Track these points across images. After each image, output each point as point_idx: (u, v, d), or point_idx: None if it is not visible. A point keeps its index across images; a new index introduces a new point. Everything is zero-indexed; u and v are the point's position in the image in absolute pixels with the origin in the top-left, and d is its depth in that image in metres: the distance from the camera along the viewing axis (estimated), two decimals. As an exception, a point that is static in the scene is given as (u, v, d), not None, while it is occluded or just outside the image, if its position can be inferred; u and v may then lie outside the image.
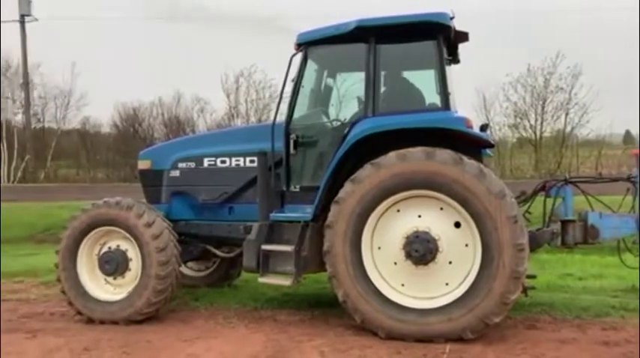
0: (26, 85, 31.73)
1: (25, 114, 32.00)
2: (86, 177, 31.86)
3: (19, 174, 30.80)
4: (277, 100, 6.29)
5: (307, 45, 6.13)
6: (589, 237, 6.02)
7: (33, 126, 32.54)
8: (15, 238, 12.56)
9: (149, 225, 6.09)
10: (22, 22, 31.95)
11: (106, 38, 52.71)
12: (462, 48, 6.53)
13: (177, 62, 49.54)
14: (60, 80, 37.94)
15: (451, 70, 6.32)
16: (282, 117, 6.25)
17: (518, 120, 28.31)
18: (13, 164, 30.82)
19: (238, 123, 29.72)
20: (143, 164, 7.09)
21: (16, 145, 31.03)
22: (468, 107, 26.25)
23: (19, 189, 23.35)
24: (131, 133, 32.92)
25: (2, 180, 29.88)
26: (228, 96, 30.82)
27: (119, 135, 33.51)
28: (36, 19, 32.42)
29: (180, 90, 32.88)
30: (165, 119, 32.52)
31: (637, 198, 6.04)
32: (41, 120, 33.93)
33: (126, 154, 31.60)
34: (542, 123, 27.94)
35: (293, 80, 6.20)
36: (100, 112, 51.21)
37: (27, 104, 31.85)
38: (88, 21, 51.00)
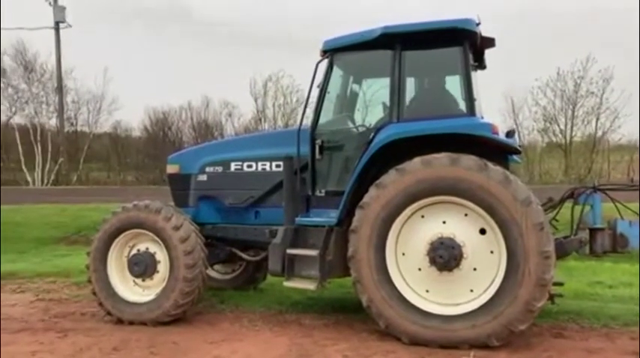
0: (60, 89, 32.51)
1: (58, 118, 32.79)
2: (117, 180, 32.49)
3: (52, 176, 31.54)
4: (303, 105, 6.36)
5: (333, 51, 6.19)
6: (618, 245, 5.94)
7: (66, 130, 33.30)
8: (49, 239, 12.89)
9: (177, 228, 6.22)
10: (57, 29, 32.76)
11: (138, 44, 53.74)
12: (489, 52, 6.52)
13: (206, 67, 50.20)
14: (92, 85, 38.83)
15: (477, 76, 6.31)
16: (306, 122, 6.32)
17: (548, 124, 27.93)
18: (47, 167, 31.58)
19: (266, 127, 29.99)
20: (172, 168, 7.23)
21: (49, 148, 31.81)
22: (495, 112, 26.01)
23: (53, 191, 23.93)
24: (160, 137, 33.47)
25: (36, 183, 30.67)
26: (256, 100, 31.13)
27: (149, 138, 34.11)
28: (70, 26, 33.25)
29: (209, 94, 33.35)
30: (194, 123, 32.97)
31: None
32: (74, 124, 34.76)
33: (155, 158, 32.19)
34: (572, 127, 27.54)
35: (319, 86, 6.27)
36: (131, 116, 52.24)
37: (61, 108, 32.63)
38: (120, 26, 52.01)
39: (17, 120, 32.79)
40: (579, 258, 8.72)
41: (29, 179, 31.28)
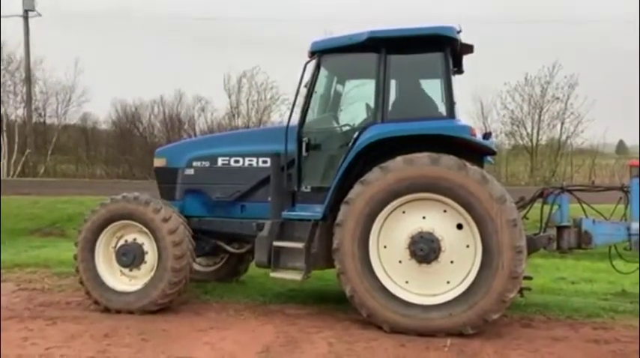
0: (28, 79, 31.87)
1: (26, 109, 32.13)
2: (85, 173, 32.01)
3: (19, 168, 30.91)
4: (291, 104, 6.60)
5: (321, 53, 6.46)
6: (582, 242, 6.34)
7: (34, 121, 32.64)
8: (23, 231, 12.82)
9: (166, 220, 6.39)
10: (26, 18, 32.10)
11: (110, 36, 52.93)
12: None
13: (180, 61, 49.87)
14: (62, 76, 38.08)
15: (455, 80, 6.66)
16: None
17: (515, 128, 28.77)
18: (13, 158, 30.93)
19: (239, 123, 29.99)
20: (159, 162, 7.39)
21: (16, 139, 31.15)
22: (464, 114, 26.62)
23: (21, 183, 23.52)
24: (129, 129, 33.04)
25: (2, 174, 30.00)
26: (229, 96, 31.07)
27: (118, 132, 33.67)
28: (39, 15, 32.60)
29: (182, 89, 33.08)
30: (167, 117, 32.67)
31: (629, 207, 6.37)
32: (42, 115, 34.06)
33: (125, 151, 31.86)
34: (538, 131, 28.42)
35: (306, 86, 6.53)
36: (101, 109, 51.52)
37: (29, 98, 31.99)
38: (92, 18, 51.08)
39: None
40: (544, 256, 9.21)
41: (-6, 170, 30.59)
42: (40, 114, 33.72)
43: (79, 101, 34.01)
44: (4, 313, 6.44)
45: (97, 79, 46.22)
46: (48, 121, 34.24)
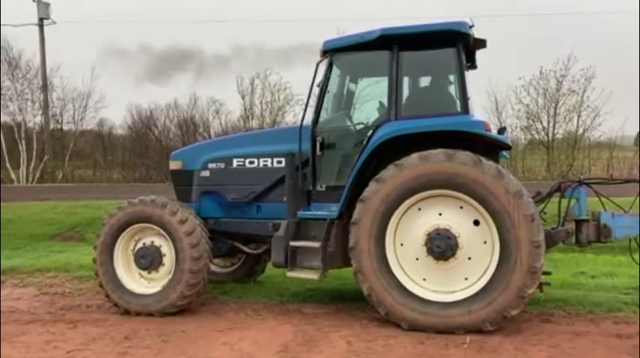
0: (45, 87, 32.25)
1: (43, 116, 32.54)
2: (103, 177, 32.32)
3: (37, 174, 31.32)
4: (304, 104, 6.63)
5: (333, 52, 6.45)
6: (602, 235, 6.26)
7: (51, 128, 33.04)
8: (42, 236, 12.97)
9: (183, 222, 6.44)
10: (41, 26, 32.50)
11: (125, 41, 53.35)
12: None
13: (193, 63, 50.01)
14: (79, 82, 38.46)
15: (469, 76, 6.61)
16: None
17: (531, 122, 28.46)
18: (32, 164, 31.34)
19: (253, 124, 30.05)
20: (174, 164, 7.44)
21: (35, 146, 31.56)
22: (479, 109, 26.46)
23: (40, 189, 23.83)
24: (144, 133, 33.27)
25: (21, 181, 30.43)
26: (243, 97, 31.13)
27: (135, 136, 33.94)
28: (54, 23, 32.97)
29: (196, 92, 33.18)
30: (181, 120, 32.85)
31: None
32: (59, 121, 34.43)
33: (141, 155, 32.11)
34: (554, 125, 28.07)
35: (318, 85, 6.54)
36: (117, 114, 51.92)
37: (46, 105, 32.37)
38: (106, 24, 51.47)
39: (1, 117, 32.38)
40: (564, 250, 9.13)
41: (13, 177, 31.01)
42: (57, 121, 34.09)
43: (95, 107, 34.32)
44: (26, 317, 6.56)
45: (112, 85, 46.45)
46: (65, 127, 34.55)
